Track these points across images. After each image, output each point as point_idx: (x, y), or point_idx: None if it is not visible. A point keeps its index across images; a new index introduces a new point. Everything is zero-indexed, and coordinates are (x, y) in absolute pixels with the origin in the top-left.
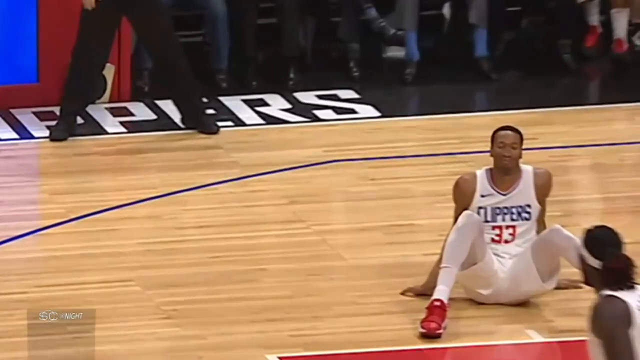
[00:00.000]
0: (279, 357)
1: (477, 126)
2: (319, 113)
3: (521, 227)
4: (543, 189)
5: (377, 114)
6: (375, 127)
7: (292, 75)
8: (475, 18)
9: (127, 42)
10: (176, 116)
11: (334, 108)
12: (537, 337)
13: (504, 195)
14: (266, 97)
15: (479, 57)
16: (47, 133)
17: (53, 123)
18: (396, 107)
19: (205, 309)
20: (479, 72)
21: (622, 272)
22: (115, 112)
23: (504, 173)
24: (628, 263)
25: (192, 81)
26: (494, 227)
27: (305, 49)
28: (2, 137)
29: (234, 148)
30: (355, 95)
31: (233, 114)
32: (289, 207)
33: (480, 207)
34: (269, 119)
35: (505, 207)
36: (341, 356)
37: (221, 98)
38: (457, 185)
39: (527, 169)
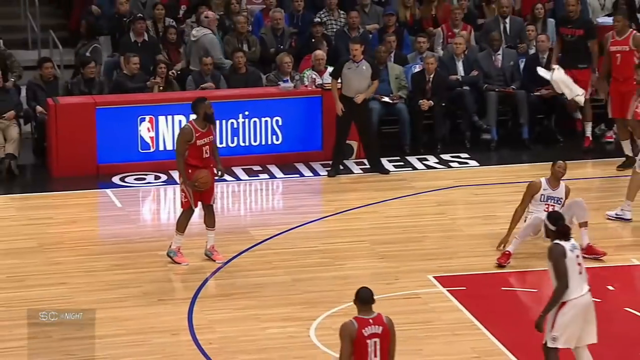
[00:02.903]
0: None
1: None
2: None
3: (557, 207)
4: (568, 193)
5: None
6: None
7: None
8: (523, 119)
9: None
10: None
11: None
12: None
13: (553, 190)
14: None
15: (525, 138)
16: (325, 173)
17: (328, 169)
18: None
19: None
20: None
21: (564, 232)
22: (357, 164)
23: (556, 180)
24: (567, 228)
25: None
26: (546, 205)
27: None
28: (305, 174)
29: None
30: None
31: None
32: None
33: (542, 195)
34: None
35: (551, 197)
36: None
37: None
38: (532, 184)
39: (562, 182)
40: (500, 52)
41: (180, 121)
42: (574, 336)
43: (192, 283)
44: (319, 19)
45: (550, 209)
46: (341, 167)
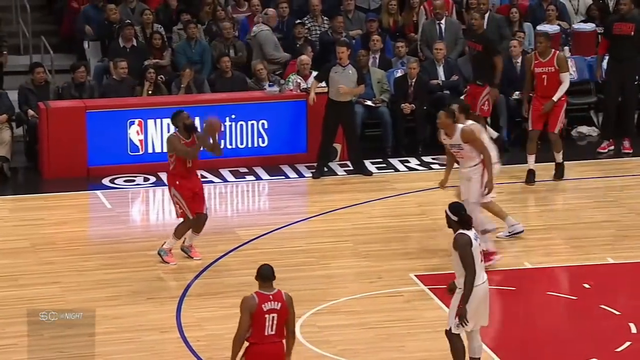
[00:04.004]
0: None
1: None
2: None
3: (461, 152)
4: (466, 134)
5: None
6: None
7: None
8: (502, 122)
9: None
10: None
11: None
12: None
13: (451, 139)
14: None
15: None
16: (310, 175)
17: (313, 170)
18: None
19: None
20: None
21: (467, 221)
22: (341, 166)
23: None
24: (469, 218)
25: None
26: (454, 151)
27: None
28: (290, 176)
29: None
30: None
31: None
32: None
33: (446, 145)
34: None
35: (452, 144)
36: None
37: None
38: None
39: (458, 126)
40: None
41: (168, 124)
42: (476, 322)
43: (181, 282)
44: (301, 22)
45: (458, 157)
46: (325, 169)
